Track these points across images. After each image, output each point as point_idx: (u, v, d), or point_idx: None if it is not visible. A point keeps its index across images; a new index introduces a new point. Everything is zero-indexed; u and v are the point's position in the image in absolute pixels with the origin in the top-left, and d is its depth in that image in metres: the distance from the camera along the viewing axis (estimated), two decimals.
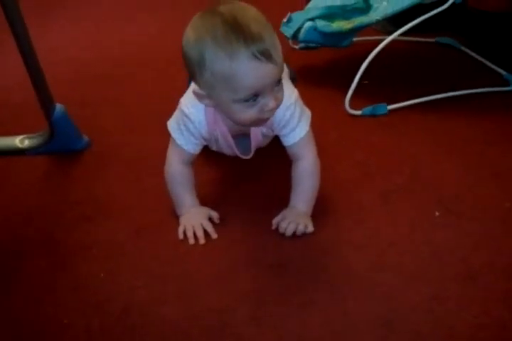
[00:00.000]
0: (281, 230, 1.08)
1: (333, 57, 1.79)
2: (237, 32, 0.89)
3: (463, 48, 1.76)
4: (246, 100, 0.93)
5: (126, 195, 1.23)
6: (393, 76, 1.66)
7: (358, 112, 1.46)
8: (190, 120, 1.06)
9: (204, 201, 1.15)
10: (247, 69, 0.90)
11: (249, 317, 0.92)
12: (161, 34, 2.02)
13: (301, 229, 1.06)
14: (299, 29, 1.57)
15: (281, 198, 1.13)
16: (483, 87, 1.52)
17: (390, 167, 1.26)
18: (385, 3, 1.54)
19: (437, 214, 1.11)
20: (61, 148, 1.37)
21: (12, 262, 1.08)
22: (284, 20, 1.62)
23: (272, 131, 1.11)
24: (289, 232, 1.07)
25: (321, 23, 1.54)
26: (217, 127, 1.08)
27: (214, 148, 1.18)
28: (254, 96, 0.93)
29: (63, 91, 1.42)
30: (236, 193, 1.22)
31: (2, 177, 1.34)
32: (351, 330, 0.90)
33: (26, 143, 1.39)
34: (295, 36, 1.60)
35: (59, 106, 1.34)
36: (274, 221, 1.10)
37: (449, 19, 1.66)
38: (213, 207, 1.14)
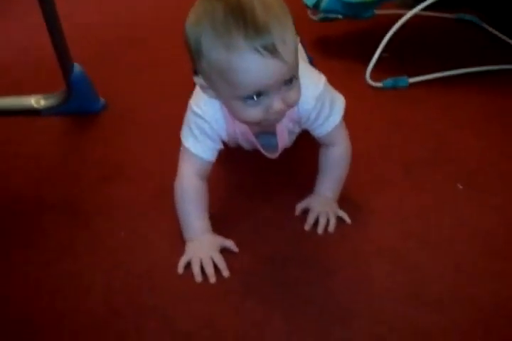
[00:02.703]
0: (307, 227, 1.00)
1: (351, 29, 1.76)
2: (238, 19, 0.74)
3: (484, 25, 1.73)
4: (246, 98, 0.80)
5: (144, 157, 1.21)
6: (413, 50, 1.63)
7: (379, 84, 1.45)
8: (205, 120, 0.92)
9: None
10: (245, 64, 0.76)
11: (274, 282, 0.92)
12: None
13: (333, 223, 1.00)
14: None
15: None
16: (506, 64, 1.50)
17: (412, 140, 1.24)
18: None
19: (461, 187, 1.10)
20: (78, 109, 1.35)
21: (32, 220, 1.07)
22: None
23: (300, 126, 0.99)
24: (320, 230, 0.99)
25: None
26: (236, 127, 0.95)
27: (233, 145, 1.05)
28: (257, 95, 0.80)
29: (76, 54, 1.37)
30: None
31: (17, 137, 1.32)
32: (376, 299, 0.89)
33: (42, 103, 1.36)
34: (316, 5, 1.57)
35: (77, 66, 1.32)
36: (298, 207, 1.04)
37: None
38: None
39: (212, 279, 0.91)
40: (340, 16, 1.70)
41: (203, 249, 0.94)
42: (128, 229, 1.02)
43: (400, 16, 1.46)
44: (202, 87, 0.87)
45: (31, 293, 0.92)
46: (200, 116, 0.92)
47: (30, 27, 1.77)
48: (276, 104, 0.81)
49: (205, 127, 0.93)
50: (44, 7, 1.20)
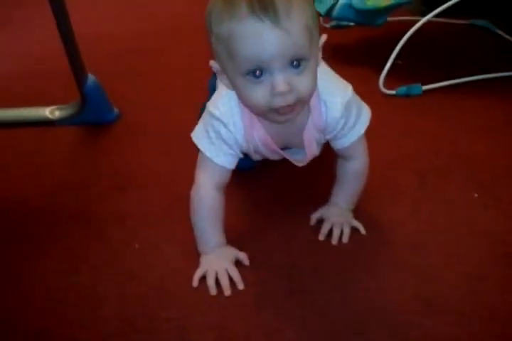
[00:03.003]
0: (321, 237, 1.00)
1: (364, 36, 1.77)
2: None
3: (498, 31, 1.73)
4: (248, 73, 0.76)
5: (157, 168, 1.21)
6: (426, 57, 1.63)
7: (392, 92, 1.44)
8: (223, 123, 0.89)
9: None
10: (245, 30, 0.73)
11: (288, 294, 0.91)
12: (189, 7, 1.99)
13: (346, 233, 1.00)
14: (333, 6, 1.54)
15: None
16: None
17: (426, 148, 1.24)
18: None
19: (476, 195, 1.09)
20: (92, 119, 1.36)
21: (45, 231, 1.07)
22: None
23: (325, 136, 0.95)
24: (334, 241, 0.99)
25: (356, 0, 1.51)
26: (255, 131, 0.91)
27: (257, 157, 1.01)
28: (258, 71, 0.76)
29: (89, 64, 1.39)
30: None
31: (32, 148, 1.33)
32: (391, 309, 0.88)
33: (57, 113, 1.38)
34: (328, 13, 1.57)
35: (91, 77, 1.33)
36: (313, 217, 1.04)
37: (483, 1, 1.63)
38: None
39: (228, 292, 0.90)
40: (352, 24, 1.71)
41: (219, 261, 0.93)
42: (141, 240, 1.02)
43: (413, 23, 1.46)
44: (217, 73, 0.84)
45: (44, 303, 0.92)
46: (217, 118, 0.89)
47: (43, 37, 1.79)
48: (280, 82, 0.75)
49: (221, 131, 0.89)
50: (58, 18, 1.21)
